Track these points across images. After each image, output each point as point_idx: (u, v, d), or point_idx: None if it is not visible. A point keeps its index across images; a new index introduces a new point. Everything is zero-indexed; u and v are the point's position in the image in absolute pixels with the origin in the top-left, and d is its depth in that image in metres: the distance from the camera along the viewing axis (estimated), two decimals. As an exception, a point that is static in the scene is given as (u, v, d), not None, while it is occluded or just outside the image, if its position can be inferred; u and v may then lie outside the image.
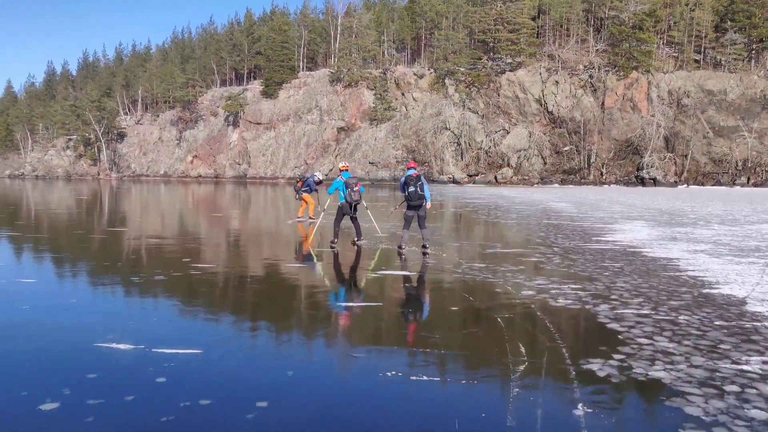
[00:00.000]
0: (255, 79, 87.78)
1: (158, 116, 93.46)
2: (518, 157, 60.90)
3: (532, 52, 66.82)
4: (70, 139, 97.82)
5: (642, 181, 55.00)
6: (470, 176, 61.74)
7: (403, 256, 11.17)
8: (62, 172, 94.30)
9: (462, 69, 67.59)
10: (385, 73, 73.20)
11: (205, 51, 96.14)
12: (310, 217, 18.03)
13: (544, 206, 26.42)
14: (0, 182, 72.88)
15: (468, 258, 10.89)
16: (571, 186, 54.78)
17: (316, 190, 18.38)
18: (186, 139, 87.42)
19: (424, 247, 11.43)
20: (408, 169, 11.82)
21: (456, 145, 64.10)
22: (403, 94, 71.25)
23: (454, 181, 60.95)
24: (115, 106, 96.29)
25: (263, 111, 79.93)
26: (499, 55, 67.77)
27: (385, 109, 70.07)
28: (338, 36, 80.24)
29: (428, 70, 72.57)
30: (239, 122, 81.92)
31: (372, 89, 72.15)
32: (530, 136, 61.55)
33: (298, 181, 18.29)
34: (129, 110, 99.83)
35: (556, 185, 55.97)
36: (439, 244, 12.64)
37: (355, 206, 12.24)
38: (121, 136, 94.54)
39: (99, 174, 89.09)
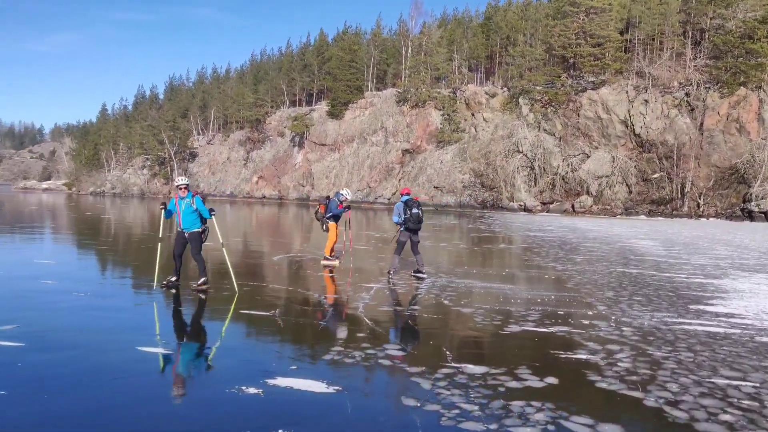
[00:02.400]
0: (323, 99, 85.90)
1: (228, 137, 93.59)
2: (599, 185, 54.22)
3: (619, 68, 60.16)
4: (147, 159, 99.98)
5: (750, 215, 46.73)
6: (544, 204, 55.63)
7: (392, 282, 10.97)
8: (137, 190, 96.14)
9: (538, 88, 61.96)
10: (454, 93, 68.73)
11: (278, 72, 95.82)
12: (330, 257, 13.50)
13: (624, 245, 20.79)
14: (83, 198, 75.46)
15: (458, 344, 6.29)
16: (660, 218, 47.54)
17: (346, 213, 13.84)
18: (252, 159, 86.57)
19: (418, 272, 11.49)
20: (402, 195, 11.88)
21: (529, 169, 58.30)
22: (473, 115, 66.38)
23: (526, 209, 55.06)
24: (189, 126, 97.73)
25: (328, 132, 77.50)
26: (581, 73, 61.63)
27: (453, 130, 65.42)
28: (408, 54, 76.87)
29: (501, 89, 67.40)
30: (304, 143, 79.92)
31: (440, 109, 67.81)
32: (614, 161, 54.75)
33: (320, 205, 13.67)
34: (202, 131, 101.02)
35: (643, 217, 48.87)
36: (450, 291, 8.02)
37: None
38: (193, 156, 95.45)
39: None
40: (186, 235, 9.34)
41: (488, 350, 6.47)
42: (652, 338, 6.93)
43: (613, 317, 8.12)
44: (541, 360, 5.96)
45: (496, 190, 58.84)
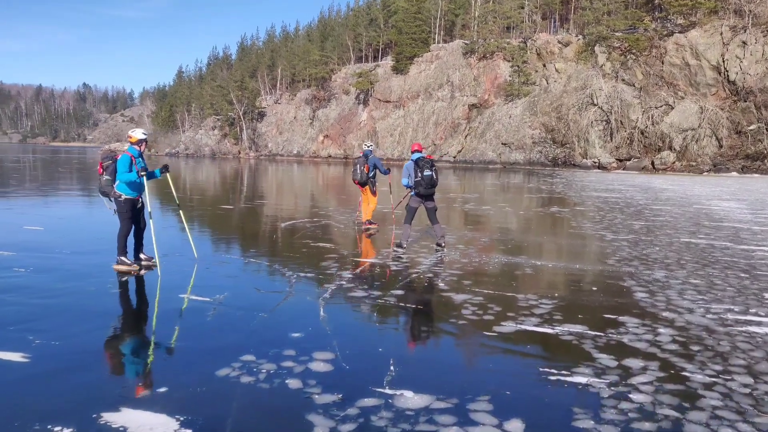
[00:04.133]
0: (389, 55, 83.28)
1: (295, 95, 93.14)
2: (684, 139, 49.22)
3: (713, 6, 53.71)
4: (217, 119, 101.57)
5: None
6: (620, 161, 51.35)
7: (401, 254, 9.40)
8: (209, 151, 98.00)
9: (617, 33, 56.64)
10: (525, 43, 64.27)
11: (344, 28, 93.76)
12: (370, 223, 12.38)
13: (700, 207, 18.03)
14: (160, 159, 77.68)
15: (413, 355, 4.56)
16: (755, 175, 42.57)
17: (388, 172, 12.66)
18: (318, 118, 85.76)
19: (438, 245, 9.92)
20: (413, 152, 10.12)
21: (604, 123, 53.85)
22: (544, 66, 61.92)
23: (600, 167, 51.10)
24: (257, 86, 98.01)
25: (393, 88, 75.12)
26: (667, 15, 55.68)
27: (523, 83, 61.43)
28: (477, 3, 72.56)
29: (575, 36, 62.30)
30: (369, 100, 78.07)
31: (509, 61, 63.76)
32: (702, 113, 49.37)
33: (365, 164, 12.36)
34: (270, 91, 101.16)
35: (735, 174, 43.96)
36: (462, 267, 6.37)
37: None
38: (261, 116, 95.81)
39: (239, 153, 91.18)
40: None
41: (449, 367, 4.75)
42: (697, 348, 4.99)
43: (652, 311, 6.15)
44: (516, 386, 4.21)
45: (568, 146, 54.94)
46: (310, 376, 4.26)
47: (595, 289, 7.28)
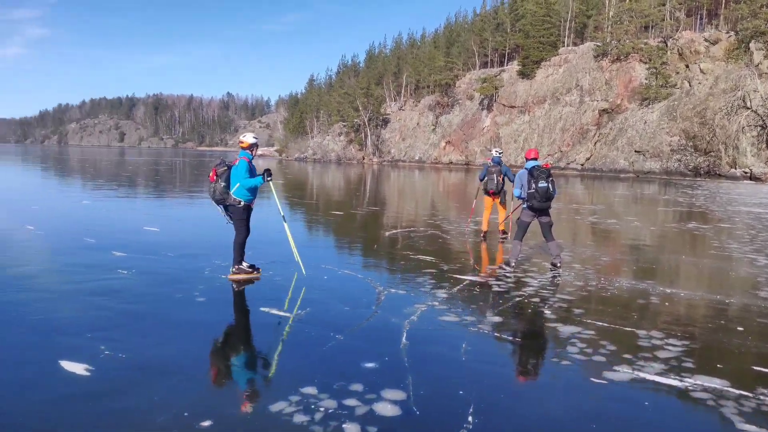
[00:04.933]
0: (514, 59, 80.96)
1: (419, 102, 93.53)
2: None
3: None
4: (343, 125, 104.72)
5: None
6: (777, 172, 45.46)
7: (507, 273, 8.39)
8: (334, 156, 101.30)
9: (779, 28, 50.37)
10: (665, 42, 59.24)
11: (470, 33, 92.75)
12: (504, 233, 11.92)
13: None
14: (289, 164, 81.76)
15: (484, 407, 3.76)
16: None
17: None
18: (441, 124, 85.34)
19: (553, 264, 8.96)
20: (528, 159, 9.25)
21: (759, 129, 47.95)
22: (687, 67, 56.59)
23: (752, 177, 45.59)
24: (382, 93, 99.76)
25: (518, 93, 72.77)
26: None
27: (661, 85, 56.55)
28: (612, 2, 68.25)
29: (726, 33, 56.33)
30: (493, 106, 76.29)
31: (645, 62, 59.07)
32: None
33: (501, 174, 11.94)
34: (395, 97, 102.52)
35: None
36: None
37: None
38: (385, 122, 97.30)
39: (363, 158, 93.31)
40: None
41: (540, 423, 3.89)
42: None
43: None
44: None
45: (713, 154, 49.65)
46: (372, 421, 3.66)
47: (741, 329, 5.97)
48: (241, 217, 7.64)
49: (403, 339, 5.37)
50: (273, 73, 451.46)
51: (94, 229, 11.84)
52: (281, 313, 6.14)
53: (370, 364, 4.67)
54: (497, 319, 6.21)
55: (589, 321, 6.04)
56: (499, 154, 12.18)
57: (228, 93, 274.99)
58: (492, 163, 11.92)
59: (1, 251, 8.99)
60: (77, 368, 4.42)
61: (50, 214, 14.54)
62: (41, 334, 5.24)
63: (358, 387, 4.18)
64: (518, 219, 9.26)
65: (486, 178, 11.90)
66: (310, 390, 4.11)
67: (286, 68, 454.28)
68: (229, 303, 6.66)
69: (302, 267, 8.03)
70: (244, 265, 7.74)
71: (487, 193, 11.96)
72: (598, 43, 66.07)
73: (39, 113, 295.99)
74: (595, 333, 5.62)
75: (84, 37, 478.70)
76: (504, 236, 11.88)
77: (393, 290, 7.30)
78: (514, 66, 77.64)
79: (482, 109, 78.70)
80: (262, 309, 6.34)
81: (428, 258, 9.57)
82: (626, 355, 5.01)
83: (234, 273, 7.66)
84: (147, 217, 14.16)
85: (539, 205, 8.82)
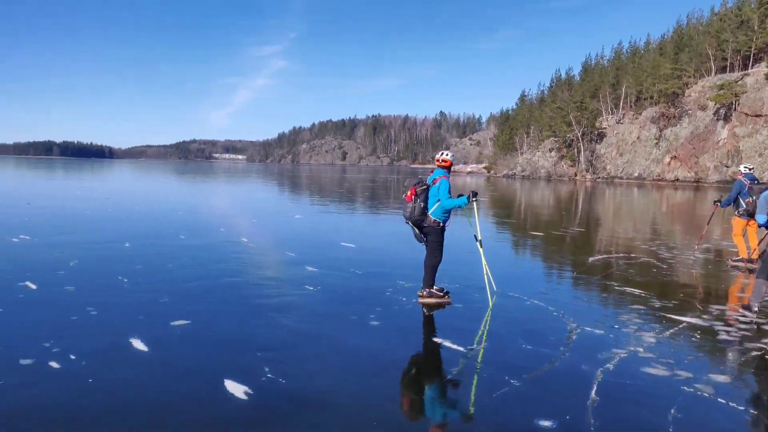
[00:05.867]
0: (762, 61, 69.90)
1: (640, 114, 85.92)
2: None
3: None
4: (555, 141, 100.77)
5: None
6: None
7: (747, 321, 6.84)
8: (544, 173, 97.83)
9: None
10: None
11: (705, 36, 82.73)
12: (749, 262, 10.52)
13: None
14: (497, 181, 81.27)
15: None
16: None
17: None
18: (666, 137, 77.10)
19: None
20: None
21: None
22: None
23: None
24: (597, 106, 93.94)
25: (765, 100, 62.63)
26: None
27: None
28: None
29: None
30: (731, 116, 66.68)
31: None
32: None
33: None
34: (612, 110, 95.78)
35: None
36: None
37: None
38: (601, 137, 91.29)
39: (575, 175, 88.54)
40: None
41: None
42: None
43: None
44: None
45: None
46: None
47: None
48: (438, 239, 7.30)
49: (593, 393, 4.47)
50: (484, 90, 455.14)
51: (298, 243, 12.59)
52: (454, 346, 5.60)
53: (546, 422, 3.91)
54: (723, 378, 4.91)
55: None
56: (749, 170, 10.64)
57: (441, 112, 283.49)
58: (746, 180, 10.29)
59: (216, 262, 9.89)
60: (238, 390, 4.40)
61: (264, 228, 15.92)
62: (215, 348, 5.41)
63: (525, 453, 3.47)
64: (764, 252, 7.49)
65: (743, 199, 10.33)
66: (467, 449, 3.51)
67: (498, 84, 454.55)
68: (400, 330, 6.29)
69: (489, 296, 7.41)
70: (435, 288, 7.40)
71: (748, 214, 10.30)
72: None
73: (277, 135, 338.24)
74: None
75: (315, 67, 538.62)
76: (745, 263, 10.04)
77: (588, 328, 6.30)
78: (761, 68, 67.11)
79: (717, 120, 69.30)
80: (435, 339, 5.88)
81: (637, 291, 8.23)
82: None
83: (424, 297, 7.34)
84: (348, 233, 14.72)
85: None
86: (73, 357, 5.02)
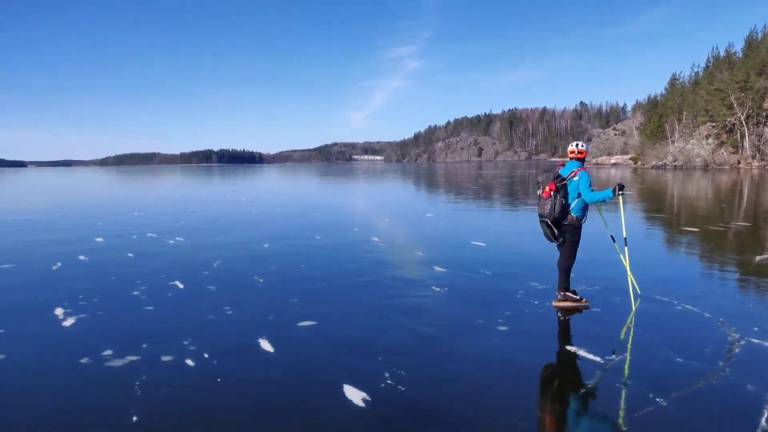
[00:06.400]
0: None
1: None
2: None
3: None
4: (712, 126, 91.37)
5: None
6: None
7: None
8: (700, 162, 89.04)
9: None
10: None
11: None
12: None
13: None
14: (645, 173, 75.22)
15: None
16: None
17: None
18: None
19: None
20: None
21: None
22: None
23: None
24: (765, 84, 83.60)
25: None
26: None
27: None
28: None
29: None
30: None
31: None
32: None
33: None
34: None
35: None
36: None
37: None
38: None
39: (739, 163, 79.55)
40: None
41: None
42: None
43: None
44: None
45: None
46: None
47: None
48: (576, 237, 6.73)
49: (763, 421, 3.79)
50: (629, 77, 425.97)
51: (426, 242, 12.45)
52: (590, 356, 5.09)
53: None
54: None
55: None
56: None
57: (581, 102, 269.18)
58: None
59: (347, 262, 10.05)
60: (356, 396, 4.33)
61: (396, 227, 15.98)
62: (337, 351, 5.41)
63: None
64: None
65: None
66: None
67: (645, 70, 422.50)
68: (530, 336, 5.85)
69: (632, 299, 6.71)
70: (571, 291, 6.86)
71: None
72: None
73: (413, 135, 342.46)
74: None
75: (448, 65, 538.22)
76: None
77: (755, 340, 5.44)
78: None
79: None
80: (568, 348, 5.39)
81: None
82: None
83: (560, 300, 6.84)
84: (478, 231, 14.30)
85: None
86: (206, 355, 5.28)
